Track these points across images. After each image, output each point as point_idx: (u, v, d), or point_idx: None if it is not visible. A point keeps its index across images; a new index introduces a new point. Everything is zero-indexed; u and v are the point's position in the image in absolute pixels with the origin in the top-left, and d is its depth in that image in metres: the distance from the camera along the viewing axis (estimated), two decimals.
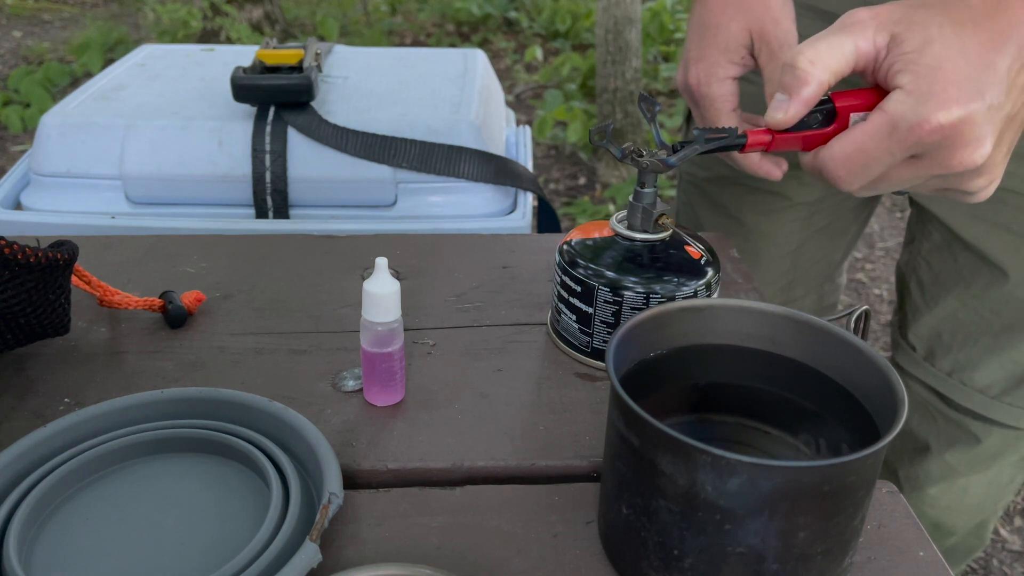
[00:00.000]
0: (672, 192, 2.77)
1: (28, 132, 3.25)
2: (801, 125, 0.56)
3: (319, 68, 1.06)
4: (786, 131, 0.56)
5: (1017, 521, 1.71)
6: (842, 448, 0.48)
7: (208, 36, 4.09)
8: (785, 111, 0.54)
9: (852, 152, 0.52)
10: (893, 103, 0.50)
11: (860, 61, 0.53)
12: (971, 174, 0.53)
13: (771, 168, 0.69)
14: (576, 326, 0.65)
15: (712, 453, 0.39)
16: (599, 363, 0.65)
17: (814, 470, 0.40)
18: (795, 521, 0.41)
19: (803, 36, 0.91)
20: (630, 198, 0.62)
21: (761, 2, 0.67)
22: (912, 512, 0.53)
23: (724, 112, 0.69)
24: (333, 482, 0.50)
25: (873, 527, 0.52)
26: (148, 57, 1.21)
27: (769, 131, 0.57)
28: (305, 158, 0.96)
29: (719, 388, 0.52)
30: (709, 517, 0.41)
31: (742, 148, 0.58)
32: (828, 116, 0.56)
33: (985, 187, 0.54)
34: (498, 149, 1.06)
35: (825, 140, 0.55)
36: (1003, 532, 1.68)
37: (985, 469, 0.95)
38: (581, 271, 0.62)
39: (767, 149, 0.58)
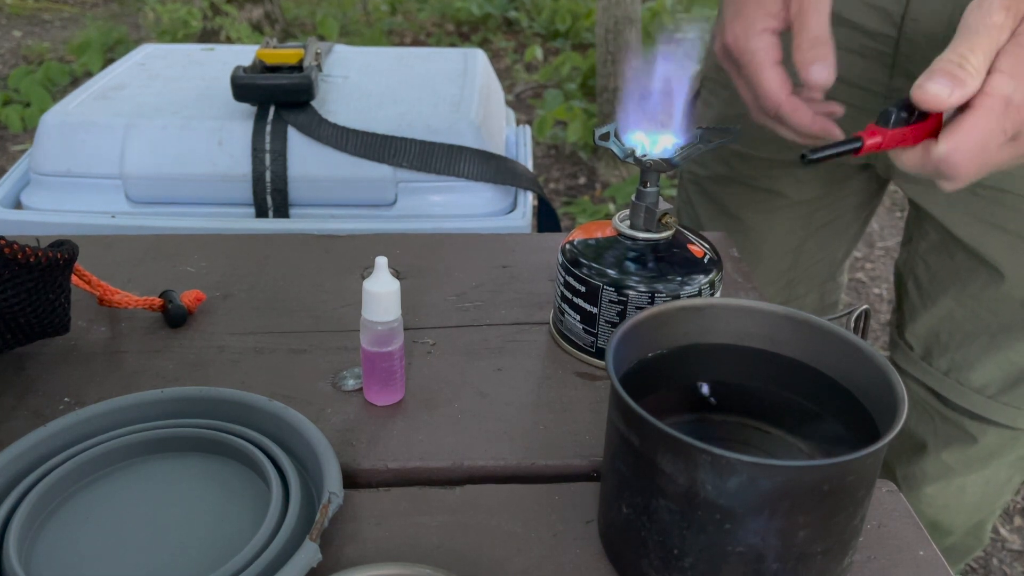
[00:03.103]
0: (673, 191, 2.78)
1: (28, 132, 3.25)
2: (898, 121, 0.56)
3: (319, 68, 1.06)
4: (893, 128, 0.56)
5: (1017, 520, 1.71)
6: (842, 447, 0.48)
7: (208, 36, 4.08)
8: (950, 94, 0.52)
9: (974, 137, 0.52)
10: (999, 86, 0.51)
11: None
12: None
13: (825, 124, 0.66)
14: (580, 326, 0.65)
15: (712, 452, 0.39)
16: (604, 363, 0.65)
17: (814, 469, 0.40)
18: (795, 520, 0.41)
19: None
20: (632, 197, 0.62)
21: None
22: (912, 511, 0.53)
23: (766, 65, 0.66)
24: (333, 482, 0.50)
25: (873, 527, 0.52)
26: (148, 57, 1.21)
27: (876, 131, 0.56)
28: (305, 157, 0.96)
29: (719, 387, 0.52)
30: (709, 516, 0.41)
31: (858, 151, 0.57)
32: (913, 109, 0.56)
33: None
34: (498, 149, 1.06)
35: (929, 131, 0.55)
36: (1003, 532, 1.68)
37: (982, 468, 0.95)
38: (584, 271, 0.62)
39: (880, 149, 0.57)
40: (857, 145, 0.56)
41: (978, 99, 0.52)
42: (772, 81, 0.66)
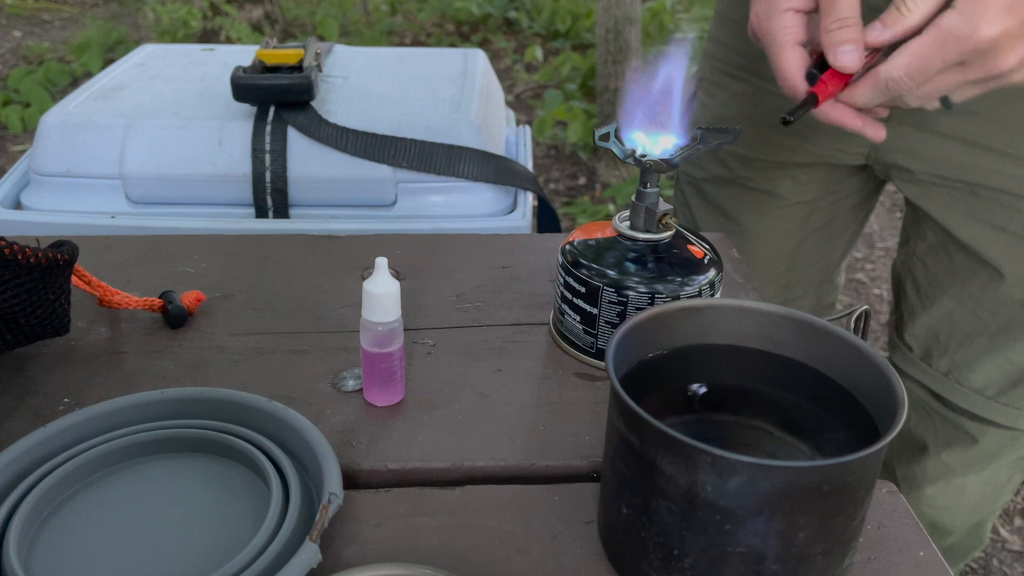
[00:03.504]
0: (673, 192, 2.77)
1: (28, 132, 3.25)
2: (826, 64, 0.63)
3: (319, 68, 1.06)
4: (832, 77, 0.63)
5: (1017, 521, 1.71)
6: (842, 448, 0.48)
7: (208, 36, 4.08)
8: (880, 34, 0.60)
9: (913, 60, 0.59)
10: (947, 20, 0.58)
11: None
12: (1010, 73, 0.61)
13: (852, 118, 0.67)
14: (580, 327, 0.65)
15: (712, 453, 0.39)
16: (604, 364, 0.65)
17: (814, 470, 0.40)
18: (795, 521, 0.41)
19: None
20: (633, 198, 0.62)
21: None
22: (912, 512, 0.53)
23: (785, 46, 0.64)
24: (333, 482, 0.50)
25: (873, 527, 0.52)
26: (148, 57, 1.21)
27: (822, 82, 0.63)
28: (305, 158, 0.96)
29: (719, 388, 0.52)
30: (709, 517, 0.41)
31: (817, 103, 0.63)
32: None
33: (1017, 68, 0.60)
34: (498, 149, 1.06)
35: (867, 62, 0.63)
36: (1003, 532, 1.68)
37: (982, 469, 0.95)
38: (584, 272, 0.62)
39: (834, 93, 0.63)
40: (814, 99, 0.63)
41: (928, 28, 0.58)
42: (790, 63, 0.64)
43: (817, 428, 0.49)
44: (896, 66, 0.60)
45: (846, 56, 0.61)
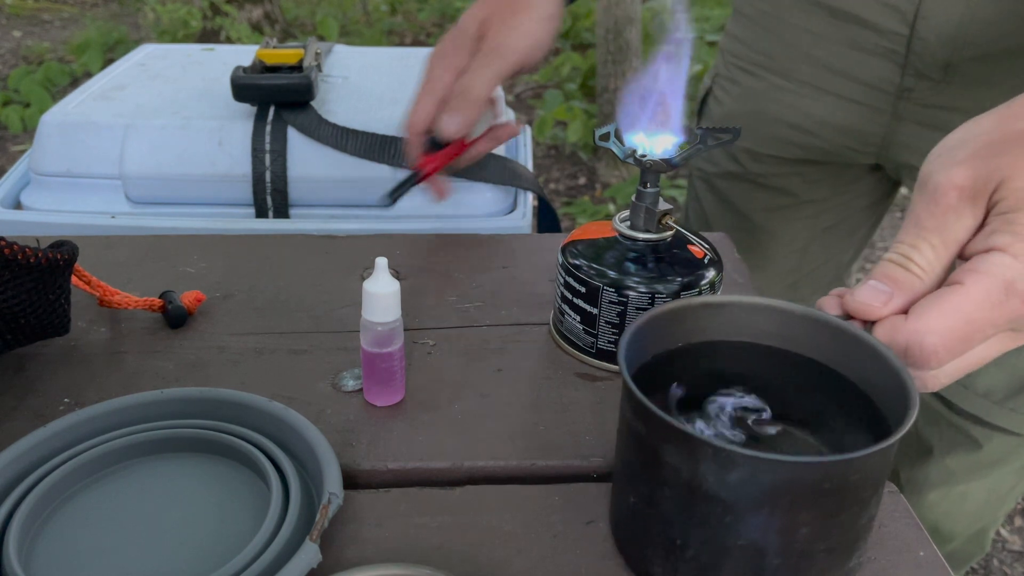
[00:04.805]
0: (673, 192, 2.77)
1: (28, 132, 3.26)
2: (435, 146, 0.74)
3: (319, 68, 1.05)
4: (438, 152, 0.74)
5: (1017, 521, 1.71)
6: (856, 447, 0.47)
7: (208, 36, 4.09)
8: (884, 303, 0.45)
9: (958, 324, 0.43)
10: (999, 267, 0.42)
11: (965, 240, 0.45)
12: None
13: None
14: (580, 327, 0.65)
15: (713, 445, 0.39)
16: (604, 364, 0.65)
17: (814, 466, 0.40)
18: (796, 517, 0.41)
19: (809, 32, 0.90)
20: (632, 198, 0.62)
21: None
22: (912, 512, 0.53)
23: (423, 91, 0.75)
24: (333, 482, 0.50)
25: (873, 527, 0.52)
26: (148, 57, 1.21)
27: (427, 160, 0.75)
28: (305, 158, 0.96)
29: (732, 384, 0.52)
30: (711, 509, 0.41)
31: (421, 179, 0.75)
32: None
33: None
34: (498, 149, 1.06)
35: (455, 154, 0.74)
36: (1003, 532, 1.68)
37: (985, 476, 0.95)
38: (584, 272, 0.62)
39: (436, 170, 0.75)
40: (419, 175, 0.75)
41: (976, 277, 0.43)
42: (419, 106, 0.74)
43: (832, 427, 0.49)
44: (931, 330, 0.43)
45: (447, 124, 0.71)
